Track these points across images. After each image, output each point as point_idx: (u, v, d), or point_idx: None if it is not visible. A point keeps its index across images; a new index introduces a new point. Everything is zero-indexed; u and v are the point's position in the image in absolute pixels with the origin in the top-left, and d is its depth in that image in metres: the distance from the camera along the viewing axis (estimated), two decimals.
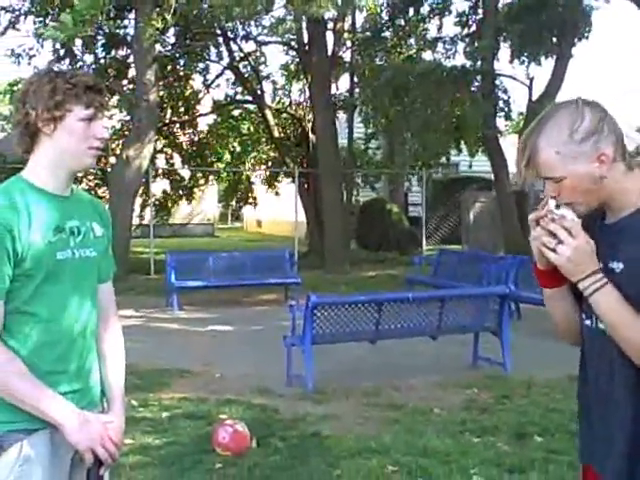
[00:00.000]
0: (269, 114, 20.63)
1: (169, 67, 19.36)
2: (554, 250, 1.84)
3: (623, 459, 1.89)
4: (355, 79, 20.23)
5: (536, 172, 1.89)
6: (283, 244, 18.11)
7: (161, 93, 18.10)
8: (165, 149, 22.06)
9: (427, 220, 21.74)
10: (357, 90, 20.37)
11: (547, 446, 4.88)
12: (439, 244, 22.43)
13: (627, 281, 1.83)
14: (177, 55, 19.33)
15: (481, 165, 22.76)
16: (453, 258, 13.44)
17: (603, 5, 28.68)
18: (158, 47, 15.71)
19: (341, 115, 21.36)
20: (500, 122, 19.40)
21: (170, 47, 18.43)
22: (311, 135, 20.27)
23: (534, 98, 17.60)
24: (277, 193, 23.62)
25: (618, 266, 1.86)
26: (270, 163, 24.49)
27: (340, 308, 6.72)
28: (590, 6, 16.94)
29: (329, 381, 6.61)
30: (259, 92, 20.47)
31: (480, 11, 18.28)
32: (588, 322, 1.96)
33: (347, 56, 20.98)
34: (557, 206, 1.86)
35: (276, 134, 20.84)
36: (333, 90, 19.59)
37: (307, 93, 20.82)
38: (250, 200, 24.93)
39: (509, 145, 19.19)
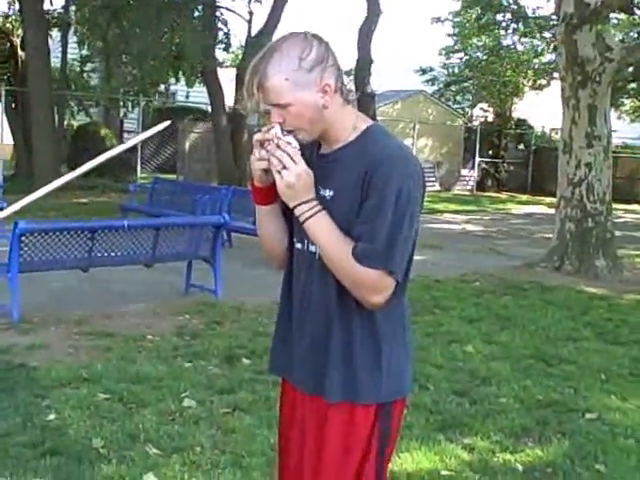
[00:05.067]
0: None
1: None
2: (279, 172, 1.95)
3: (305, 364, 2.09)
4: None
5: (264, 98, 1.96)
6: None
7: None
8: None
9: (143, 148, 21.37)
10: (73, 8, 19.23)
11: (254, 367, 5.11)
12: (155, 172, 22.19)
13: (336, 207, 1.99)
14: None
15: (198, 96, 22.74)
16: (168, 187, 13.40)
17: None
18: None
19: (55, 33, 20.09)
20: (219, 54, 19.46)
21: None
22: (20, 52, 18.88)
23: (253, 33, 17.86)
24: None
25: (329, 194, 2.01)
26: None
27: (51, 235, 6.45)
28: None
29: (37, 311, 6.36)
30: None
31: None
32: (299, 245, 2.11)
33: None
34: (282, 132, 1.95)
35: None
36: (47, 5, 18.32)
37: (17, 6, 19.27)
38: None
39: (227, 78, 19.32)
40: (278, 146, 1.94)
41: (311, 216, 1.97)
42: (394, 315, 2.07)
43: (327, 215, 1.98)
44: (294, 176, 1.94)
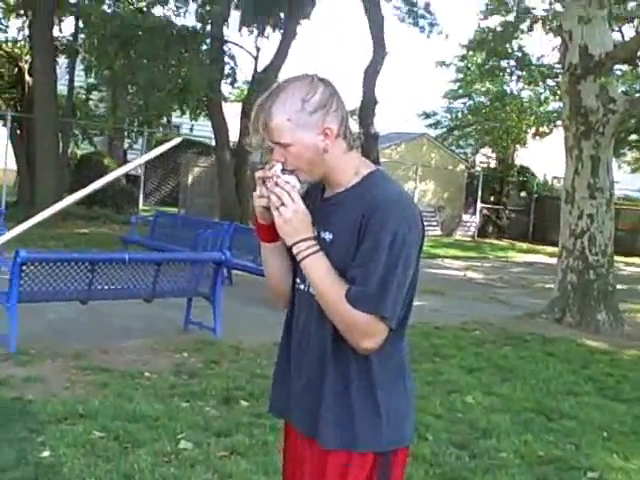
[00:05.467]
0: None
1: None
2: (278, 209, 1.97)
3: (301, 406, 2.08)
4: (81, 24, 19.21)
5: (267, 136, 2.00)
6: None
7: None
8: None
9: (146, 180, 21.43)
10: (82, 36, 19.38)
11: (252, 410, 5.05)
12: (157, 205, 22.23)
13: (334, 249, 2.00)
14: None
15: (202, 130, 22.86)
16: (170, 220, 13.43)
17: None
18: None
19: (62, 60, 20.23)
20: (225, 88, 19.60)
21: None
22: (28, 77, 18.99)
23: (259, 69, 18.02)
24: None
25: (329, 237, 2.03)
26: None
27: (52, 266, 6.41)
28: None
29: (35, 342, 6.29)
30: None
31: None
32: (302, 286, 2.11)
33: None
34: (283, 171, 1.98)
35: None
36: (56, 32, 18.46)
37: (27, 31, 19.42)
38: None
39: (232, 113, 19.44)
40: (277, 184, 1.97)
41: (308, 255, 1.98)
42: (391, 362, 2.06)
43: (324, 256, 1.99)
44: (291, 212, 1.97)
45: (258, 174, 2.02)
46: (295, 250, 2.00)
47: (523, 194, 28.79)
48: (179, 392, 5.39)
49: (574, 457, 4.77)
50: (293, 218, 1.96)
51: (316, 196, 2.08)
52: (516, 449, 4.80)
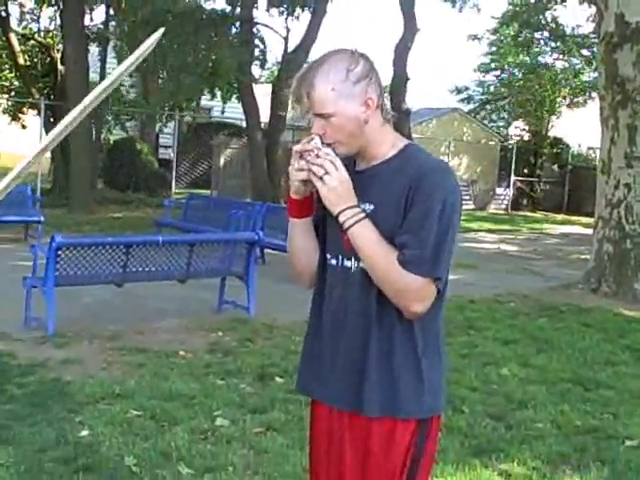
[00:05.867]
0: (14, 39, 19.17)
1: None
2: (321, 179, 1.97)
3: (341, 383, 2.07)
4: (111, 11, 19.30)
5: (308, 107, 2.00)
6: (24, 179, 17.06)
7: None
8: None
9: (178, 163, 21.53)
10: (113, 23, 19.46)
11: (287, 387, 5.06)
12: (189, 188, 22.35)
13: (375, 221, 1.99)
14: None
15: (233, 112, 22.87)
16: (202, 202, 13.50)
17: None
18: None
19: (94, 48, 20.36)
20: (255, 70, 19.57)
21: None
22: (60, 66, 19.15)
23: (290, 50, 17.94)
24: (24, 126, 22.10)
25: (369, 207, 2.02)
26: (14, 93, 22.84)
27: (86, 250, 6.48)
28: None
29: (72, 325, 6.39)
30: (4, 14, 18.91)
31: None
32: (334, 261, 2.11)
33: None
34: (322, 144, 1.98)
35: (21, 62, 19.44)
36: (87, 21, 18.57)
37: (58, 21, 19.55)
38: None
39: (262, 94, 19.42)
40: (318, 156, 1.98)
41: (356, 222, 1.98)
42: (432, 329, 2.07)
43: (371, 223, 1.99)
44: (337, 181, 1.97)
45: (296, 148, 2.02)
46: (342, 218, 1.99)
47: (557, 166, 28.44)
48: (214, 370, 5.44)
49: (612, 426, 4.73)
50: (338, 186, 1.97)
51: (348, 170, 2.05)
52: (553, 419, 4.77)
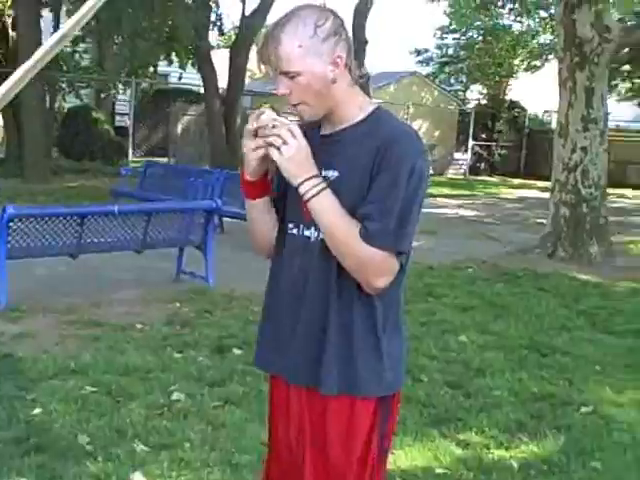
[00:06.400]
0: None
1: None
2: (279, 149, 1.88)
3: (300, 354, 2.02)
4: None
5: (274, 65, 1.90)
6: None
7: None
8: None
9: (135, 131, 21.20)
10: None
11: (246, 359, 5.00)
12: (147, 156, 22.03)
13: (342, 187, 1.92)
14: None
15: (191, 78, 22.53)
16: (160, 170, 13.29)
17: None
18: None
19: (47, 13, 19.80)
20: (212, 36, 19.27)
21: None
22: (11, 32, 18.62)
23: (247, 13, 17.69)
24: None
25: (333, 174, 1.95)
26: None
27: (39, 220, 6.34)
28: None
29: (25, 298, 6.24)
30: None
31: None
32: (295, 231, 2.04)
33: None
34: (279, 114, 1.90)
35: None
36: None
37: None
38: None
39: (220, 60, 19.13)
40: (274, 127, 1.88)
41: (317, 193, 1.90)
42: (392, 302, 2.02)
43: (332, 193, 1.91)
44: (295, 149, 1.88)
45: (249, 128, 1.92)
46: (302, 190, 1.90)
47: (514, 130, 28.59)
48: (172, 343, 5.36)
49: (568, 392, 4.78)
50: (296, 155, 1.88)
51: (312, 135, 1.97)
52: (510, 387, 4.80)
